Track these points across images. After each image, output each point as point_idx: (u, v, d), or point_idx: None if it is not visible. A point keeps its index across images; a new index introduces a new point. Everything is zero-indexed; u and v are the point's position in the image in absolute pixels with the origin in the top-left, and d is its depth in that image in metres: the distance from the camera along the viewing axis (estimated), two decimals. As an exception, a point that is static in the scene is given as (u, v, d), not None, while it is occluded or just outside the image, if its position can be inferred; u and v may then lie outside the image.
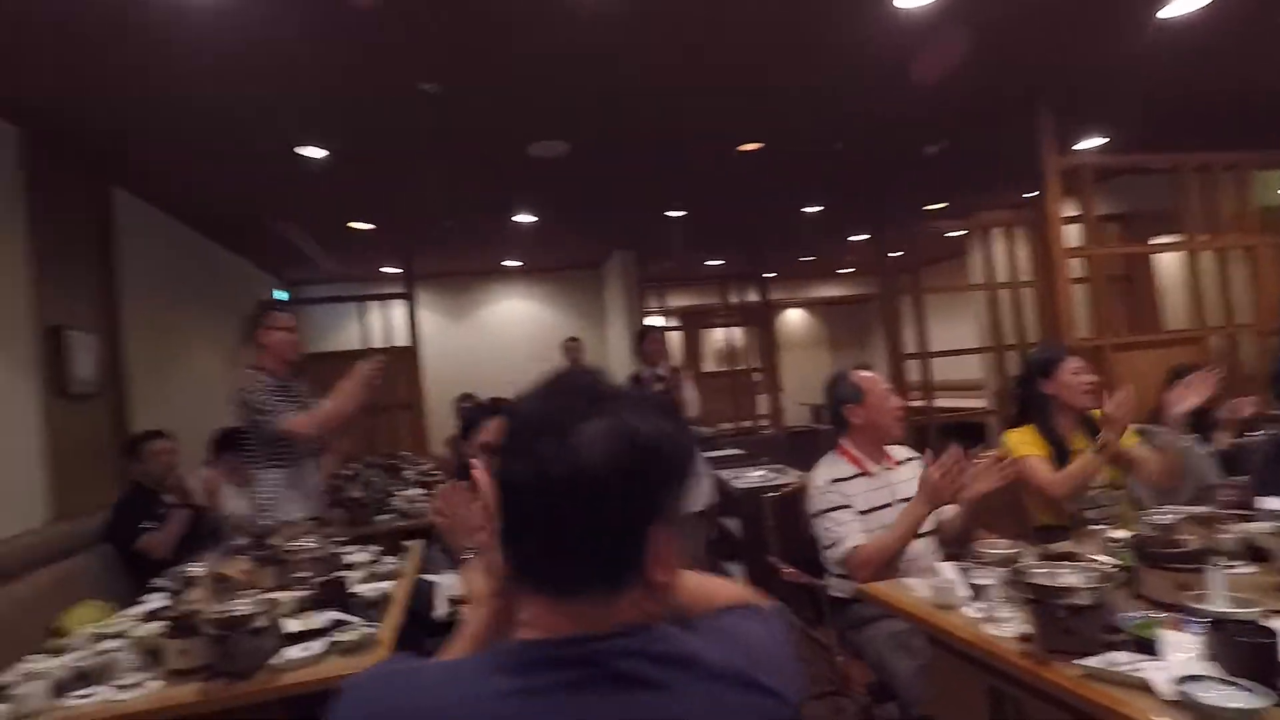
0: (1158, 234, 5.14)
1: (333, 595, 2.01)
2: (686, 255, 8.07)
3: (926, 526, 2.17)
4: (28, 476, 2.96)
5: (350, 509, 3.66)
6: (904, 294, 5.52)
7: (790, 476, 3.77)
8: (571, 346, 6.33)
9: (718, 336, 9.45)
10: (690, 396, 4.53)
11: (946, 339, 6.07)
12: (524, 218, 5.83)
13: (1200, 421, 2.83)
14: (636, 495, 0.67)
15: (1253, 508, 1.81)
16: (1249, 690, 1.07)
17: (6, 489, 2.82)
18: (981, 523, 2.17)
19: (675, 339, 9.01)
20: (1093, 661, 1.23)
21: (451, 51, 2.91)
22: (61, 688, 1.62)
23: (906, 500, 2.16)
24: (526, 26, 2.76)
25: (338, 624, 1.84)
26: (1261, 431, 2.66)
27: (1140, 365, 3.95)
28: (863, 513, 2.13)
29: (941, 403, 5.55)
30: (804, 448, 6.20)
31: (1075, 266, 4.19)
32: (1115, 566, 1.52)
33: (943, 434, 5.22)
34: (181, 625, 1.68)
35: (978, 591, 1.61)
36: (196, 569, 2.13)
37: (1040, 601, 1.33)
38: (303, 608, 1.97)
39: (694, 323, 9.47)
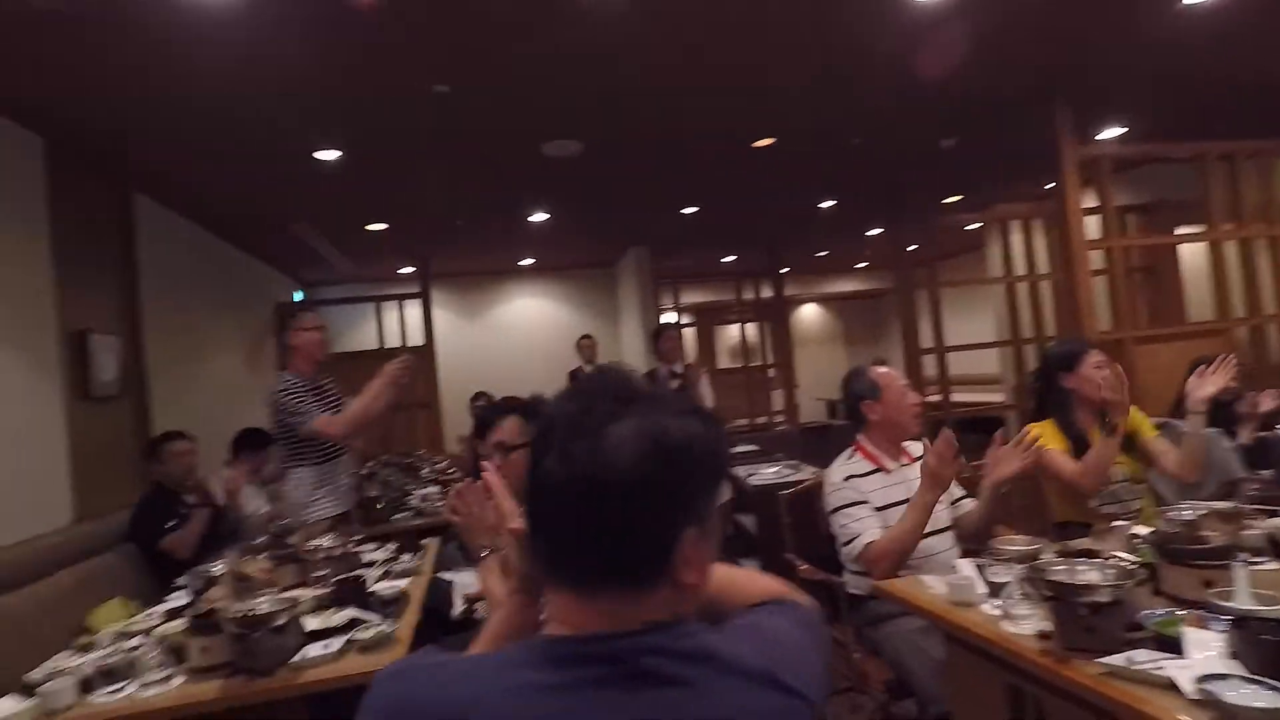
0: (1181, 224, 5.05)
1: (351, 593, 2.03)
2: (700, 252, 8.06)
3: (944, 523, 2.16)
4: (54, 478, 3.02)
5: (367, 507, 3.69)
6: (920, 288, 5.46)
7: (806, 473, 3.75)
8: (586, 345, 6.35)
9: (732, 333, 9.43)
10: (706, 394, 4.53)
11: (963, 333, 6.01)
12: (538, 217, 5.84)
13: (1223, 415, 2.78)
14: (665, 496, 0.67)
15: (1278, 502, 1.78)
16: (1274, 689, 1.05)
17: (34, 491, 2.87)
18: (1000, 519, 2.15)
19: (689, 336, 9.01)
20: (1114, 659, 1.22)
21: (464, 53, 2.92)
22: (88, 685, 1.66)
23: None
24: (539, 27, 2.76)
25: (356, 622, 1.86)
26: (1287, 425, 2.61)
27: (1163, 358, 3.89)
28: (879, 509, 2.11)
29: (959, 397, 5.50)
30: (819, 444, 6.17)
31: (1095, 258, 4.13)
32: (1136, 563, 1.50)
33: (960, 429, 5.18)
34: (204, 623, 1.70)
35: (995, 588, 1.60)
36: (218, 568, 2.17)
37: (1060, 599, 1.31)
38: (321, 606, 1.99)
39: (708, 319, 9.46)
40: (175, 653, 1.75)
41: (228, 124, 3.37)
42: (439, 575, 2.56)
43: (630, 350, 8.00)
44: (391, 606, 2.03)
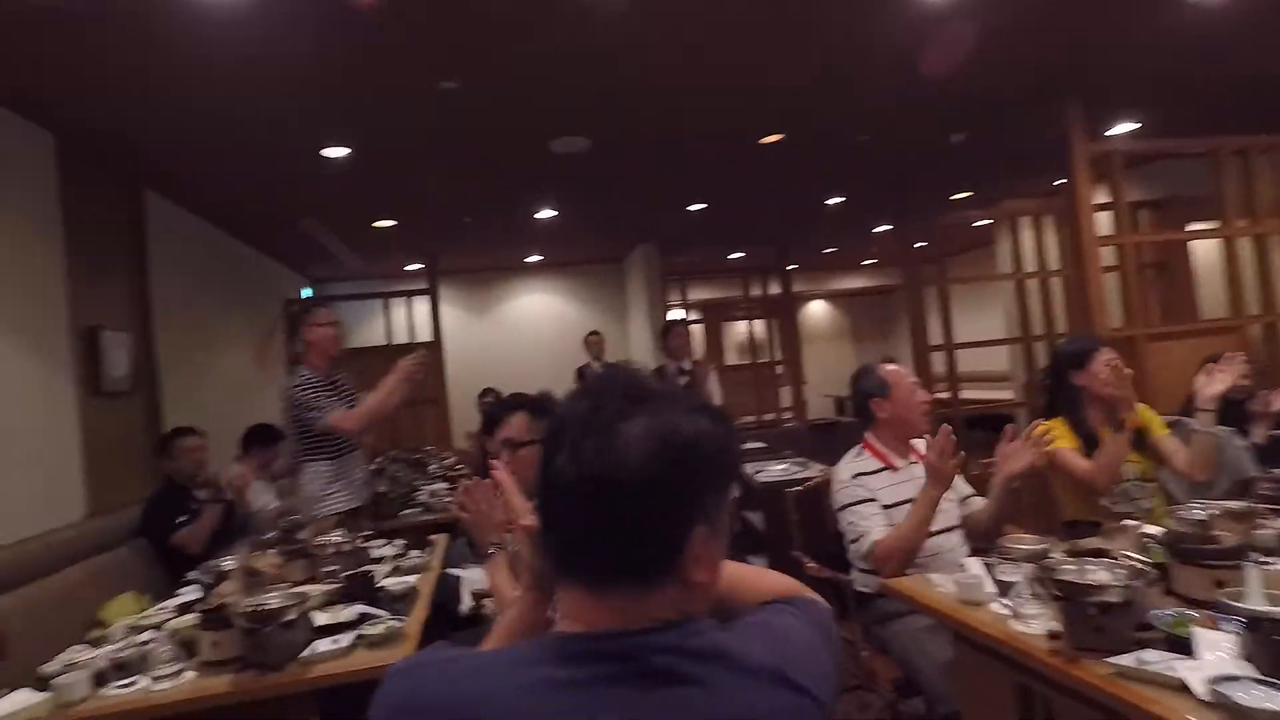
0: (1193, 220, 5.00)
1: (360, 589, 2.04)
2: (708, 248, 8.05)
3: (952, 521, 2.15)
4: (67, 473, 3.05)
5: (378, 502, 3.71)
6: (929, 285, 5.43)
7: (813, 470, 3.74)
8: (593, 341, 6.36)
9: (740, 329, 9.41)
10: (714, 390, 4.52)
11: (973, 330, 5.98)
12: (545, 213, 5.84)
13: (1236, 414, 2.76)
14: (675, 494, 0.67)
15: (1291, 502, 1.76)
16: (1287, 691, 1.04)
17: (47, 486, 2.90)
18: (1010, 516, 2.14)
19: (697, 332, 8.99)
20: (1124, 660, 1.21)
21: (472, 50, 2.92)
22: (101, 678, 1.67)
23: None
24: (546, 24, 2.76)
25: (365, 618, 1.87)
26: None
27: (1175, 356, 3.86)
28: (887, 507, 2.11)
29: (968, 394, 5.47)
30: (827, 441, 6.15)
31: (1106, 255, 4.10)
32: (1146, 563, 1.49)
33: (969, 426, 5.15)
34: (214, 618, 1.72)
35: (1004, 587, 1.59)
36: (228, 563, 2.18)
37: (1069, 599, 1.31)
38: (330, 601, 2.00)
39: (716, 316, 9.44)
40: (186, 647, 1.76)
41: (237, 121, 3.38)
42: (447, 571, 2.57)
43: (638, 346, 7.99)
44: (400, 602, 2.04)
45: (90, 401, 3.21)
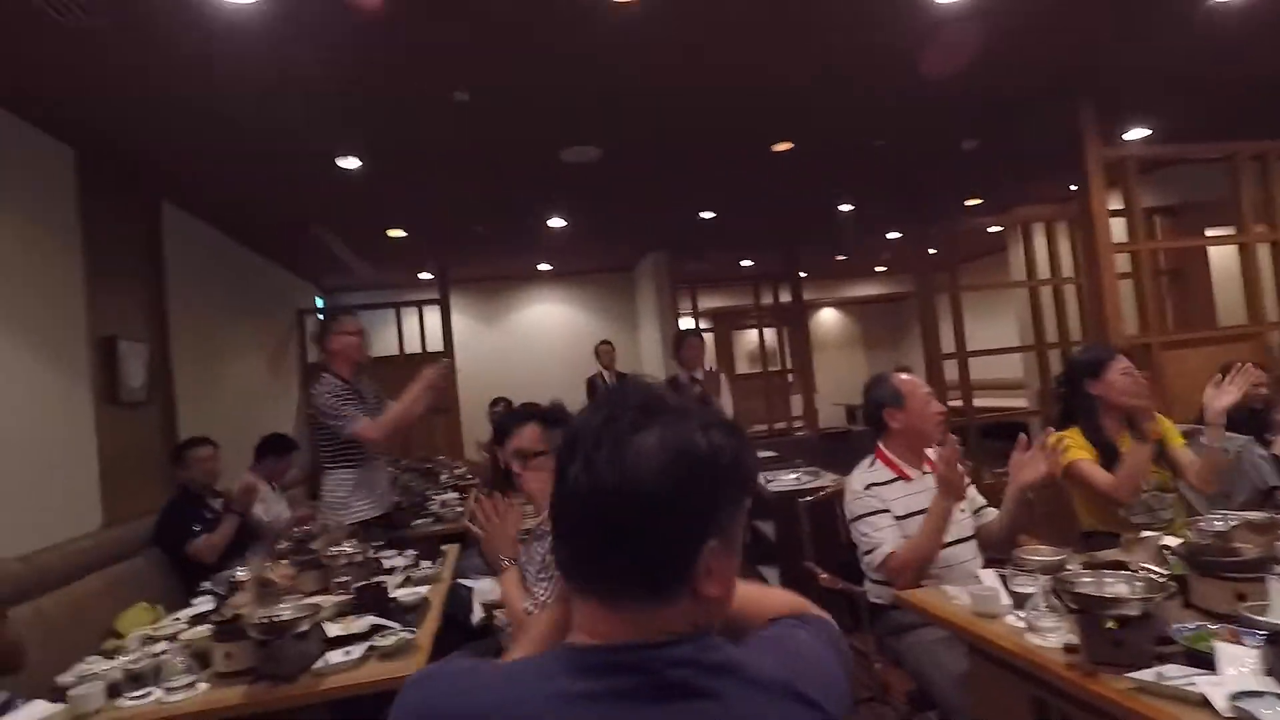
0: (1208, 226, 4.95)
1: (372, 600, 2.04)
2: (719, 256, 8.04)
3: (967, 531, 2.13)
4: (85, 483, 3.08)
5: (389, 513, 3.72)
6: (941, 292, 5.40)
7: (825, 480, 3.72)
8: (604, 350, 6.36)
9: (750, 338, 9.39)
10: (726, 400, 4.51)
11: (985, 337, 5.94)
12: (556, 222, 5.87)
13: (1255, 423, 2.72)
14: (688, 508, 0.67)
15: (1314, 513, 1.73)
16: (1312, 708, 1.02)
17: (65, 495, 2.93)
18: (1024, 526, 2.11)
19: (708, 340, 8.99)
20: (1143, 675, 1.19)
21: (483, 61, 2.95)
22: (116, 688, 1.68)
23: (947, 505, 2.12)
24: (557, 35, 2.78)
25: (377, 629, 1.87)
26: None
27: (1191, 364, 3.81)
28: (900, 518, 2.09)
29: (981, 402, 5.42)
30: (838, 450, 6.12)
31: (1121, 261, 4.06)
32: (1166, 576, 1.46)
33: (983, 435, 5.11)
34: (228, 629, 1.72)
35: (1020, 600, 1.57)
36: (241, 573, 2.19)
37: (1087, 612, 1.29)
38: (343, 612, 2.01)
39: (727, 324, 9.44)
40: (200, 658, 1.77)
41: (251, 134, 3.43)
42: (459, 582, 2.57)
43: (649, 355, 7.99)
44: (412, 613, 2.04)
45: (107, 411, 3.25)
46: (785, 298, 8.02)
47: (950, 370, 5.18)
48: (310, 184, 4.27)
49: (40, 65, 2.59)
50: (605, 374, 6.21)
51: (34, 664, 1.93)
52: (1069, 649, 1.35)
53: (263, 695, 1.61)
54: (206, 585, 2.49)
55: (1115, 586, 1.34)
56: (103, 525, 3.07)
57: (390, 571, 2.48)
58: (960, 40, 3.08)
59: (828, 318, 11.51)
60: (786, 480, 3.90)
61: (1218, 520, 1.63)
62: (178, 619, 2.24)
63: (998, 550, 2.06)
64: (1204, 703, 1.10)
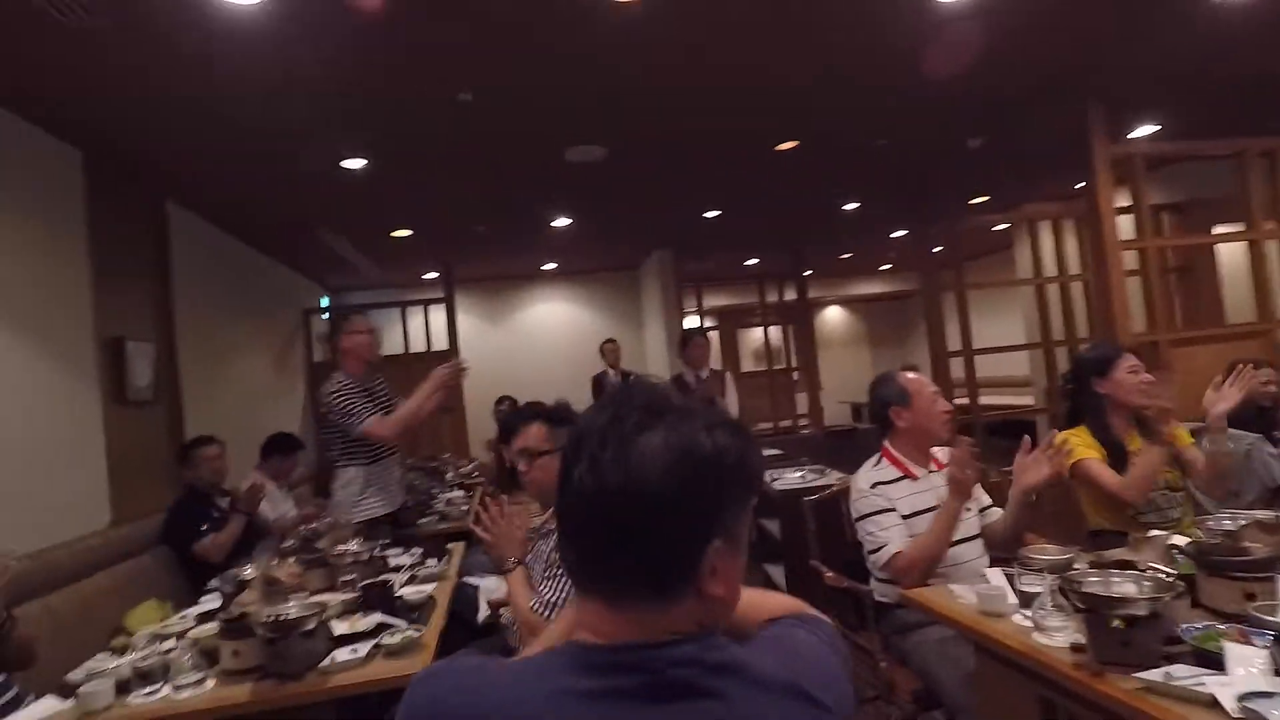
0: (1216, 223, 4.92)
1: (378, 598, 2.05)
2: (724, 255, 8.03)
3: (972, 530, 2.12)
4: (93, 482, 3.10)
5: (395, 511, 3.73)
6: (947, 290, 5.39)
7: (830, 478, 3.71)
8: (609, 349, 6.36)
9: (756, 336, 9.38)
10: (731, 399, 4.51)
11: (992, 335, 5.92)
12: (561, 222, 5.87)
13: (1265, 421, 2.71)
14: (692, 508, 0.67)
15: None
16: (1322, 708, 1.02)
17: (74, 494, 2.95)
18: (1028, 527, 2.10)
19: (713, 338, 8.99)
20: (1151, 675, 1.18)
21: (487, 60, 2.95)
22: (125, 685, 1.69)
23: (953, 504, 2.11)
24: (561, 34, 2.78)
25: (383, 627, 1.88)
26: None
27: (1199, 361, 3.79)
28: (906, 517, 2.08)
29: (987, 400, 5.41)
30: (844, 448, 6.11)
31: (1128, 259, 4.04)
32: (1174, 575, 1.45)
33: (989, 433, 5.09)
34: (235, 627, 1.73)
35: (1027, 599, 1.56)
36: (248, 571, 2.20)
37: (1094, 611, 1.28)
38: (349, 610, 2.01)
39: (732, 322, 9.43)
40: (208, 655, 1.78)
41: (257, 134, 3.44)
42: (464, 580, 2.58)
43: (654, 354, 7.99)
44: (418, 611, 2.05)
45: (115, 411, 3.27)
46: (790, 296, 8.01)
47: (956, 368, 5.16)
48: (315, 184, 4.27)
49: (43, 66, 2.59)
50: (610, 373, 6.21)
51: (44, 661, 1.95)
52: (1076, 648, 1.34)
53: (270, 693, 1.62)
54: (214, 583, 2.50)
55: (1123, 586, 1.34)
56: (111, 523, 3.09)
57: (396, 570, 2.49)
58: (964, 39, 3.07)
59: (833, 315, 11.49)
60: (792, 478, 3.89)
61: (1227, 519, 1.62)
62: (185, 616, 2.25)
63: (1002, 551, 2.05)
64: (1213, 703, 1.09)
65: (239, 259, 5.29)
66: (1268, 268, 4.17)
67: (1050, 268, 5.53)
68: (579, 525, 0.70)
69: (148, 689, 1.67)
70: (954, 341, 5.20)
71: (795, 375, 7.99)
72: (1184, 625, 1.31)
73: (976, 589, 1.68)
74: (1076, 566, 1.57)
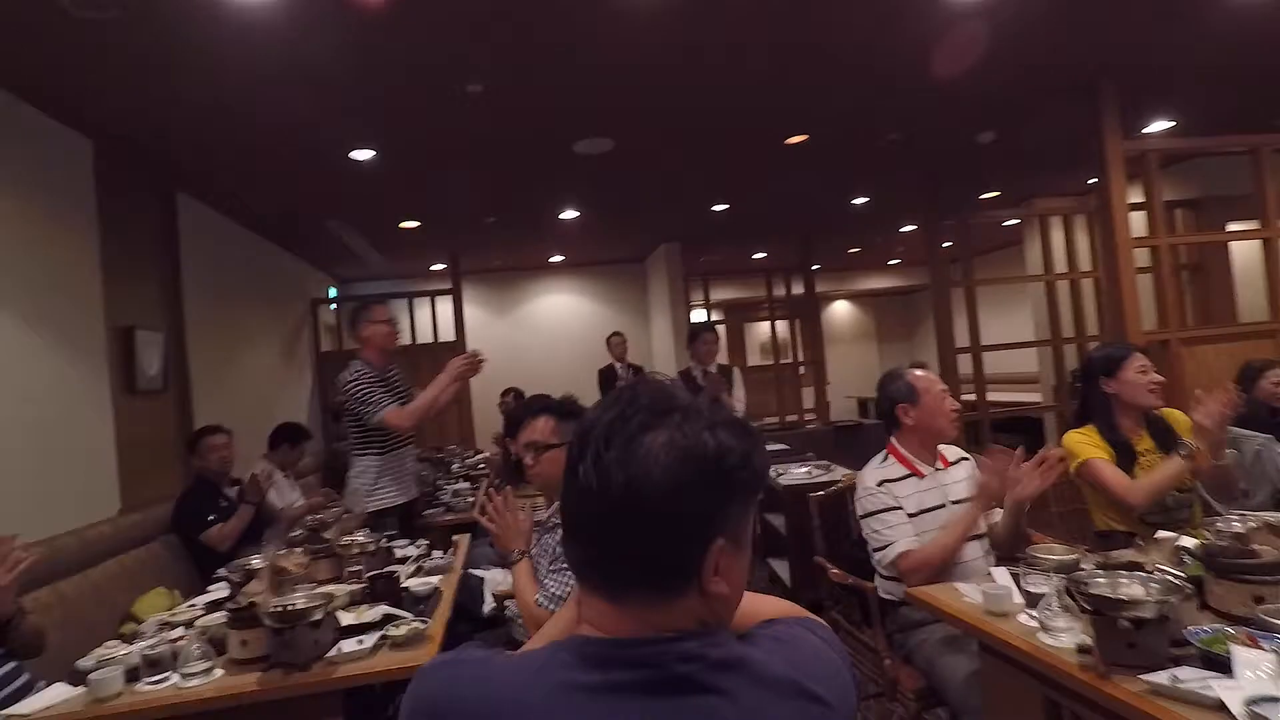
0: (1230, 220, 4.87)
1: (384, 589, 2.06)
2: (731, 248, 8.01)
3: (979, 529, 2.11)
4: (103, 470, 3.12)
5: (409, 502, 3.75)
6: (956, 285, 5.36)
7: (836, 474, 3.71)
8: (616, 342, 6.35)
9: (763, 329, 9.36)
10: (740, 395, 4.50)
11: (1001, 331, 5.88)
12: (568, 214, 5.86)
13: (1275, 422, 2.68)
14: (695, 508, 0.67)
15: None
16: (1330, 714, 1.01)
17: (84, 482, 2.97)
18: (1024, 535, 2.09)
19: (720, 332, 8.98)
20: (1158, 677, 1.18)
21: (497, 52, 2.94)
22: (134, 673, 1.71)
23: (959, 502, 2.11)
24: (569, 26, 2.76)
25: (389, 618, 1.89)
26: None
27: (1210, 360, 3.77)
28: (913, 515, 2.08)
29: (995, 397, 5.38)
30: (850, 443, 6.10)
31: (1140, 256, 4.00)
32: (1182, 577, 1.45)
33: (997, 431, 5.07)
34: (243, 617, 1.74)
35: (1033, 599, 1.56)
36: (256, 561, 2.22)
37: (1101, 613, 1.27)
38: (355, 601, 2.03)
39: (739, 316, 9.40)
40: (216, 644, 1.79)
41: (266, 125, 3.44)
42: (470, 571, 2.59)
43: (660, 347, 7.99)
44: (424, 603, 2.06)
45: (125, 400, 3.29)
46: (798, 290, 7.98)
47: (964, 364, 5.14)
48: (323, 175, 4.28)
49: (55, 57, 2.60)
50: (617, 366, 6.21)
51: (54, 646, 1.97)
52: (1082, 649, 1.34)
53: (277, 683, 1.63)
54: (222, 572, 2.52)
55: (1130, 587, 1.33)
56: (121, 511, 3.11)
57: (402, 561, 2.50)
58: (976, 32, 3.04)
59: (840, 310, 11.44)
60: (797, 474, 3.89)
61: (1236, 521, 1.61)
62: (194, 605, 2.27)
63: (1006, 550, 2.04)
64: (1220, 707, 1.09)
65: (248, 249, 5.31)
66: (1282, 266, 4.13)
67: (1061, 264, 5.48)
68: (583, 522, 0.70)
69: (156, 676, 1.69)
70: (962, 337, 5.18)
71: (802, 370, 7.97)
72: (1191, 628, 1.30)
73: (982, 588, 1.67)
74: (1083, 567, 1.57)
